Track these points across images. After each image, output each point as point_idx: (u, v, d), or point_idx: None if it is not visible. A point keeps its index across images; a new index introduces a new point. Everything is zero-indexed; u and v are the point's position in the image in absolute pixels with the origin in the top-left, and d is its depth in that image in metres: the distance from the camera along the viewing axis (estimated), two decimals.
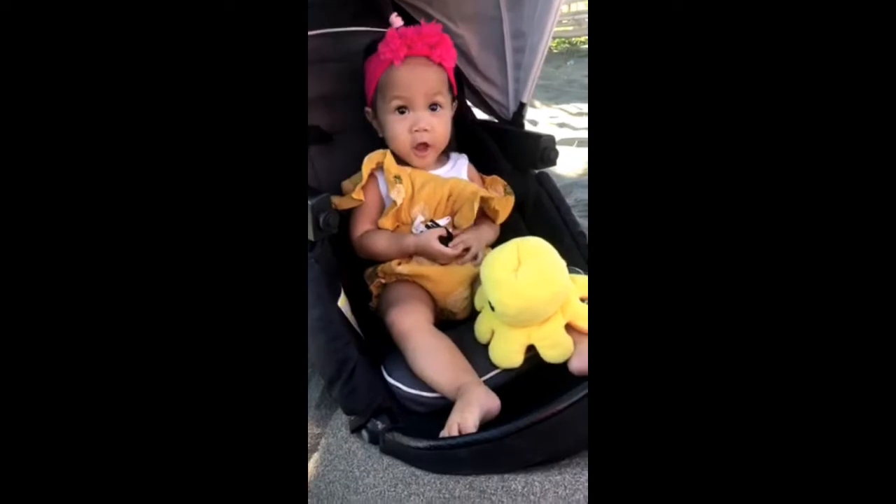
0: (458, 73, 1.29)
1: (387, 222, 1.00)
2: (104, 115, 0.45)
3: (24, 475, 0.43)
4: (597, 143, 0.47)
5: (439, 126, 1.02)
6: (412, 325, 0.89)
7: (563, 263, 0.89)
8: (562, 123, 3.59)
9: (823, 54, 0.43)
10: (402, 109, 1.01)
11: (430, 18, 1.24)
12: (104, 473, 0.44)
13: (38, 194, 0.44)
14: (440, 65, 1.02)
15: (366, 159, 1.01)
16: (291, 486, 0.47)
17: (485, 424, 0.75)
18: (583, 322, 0.89)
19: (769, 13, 0.44)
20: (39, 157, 0.44)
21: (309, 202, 0.79)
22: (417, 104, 1.00)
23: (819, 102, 0.43)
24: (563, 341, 0.87)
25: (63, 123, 0.45)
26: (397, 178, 0.99)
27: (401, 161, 1.04)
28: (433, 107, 1.02)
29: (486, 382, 0.84)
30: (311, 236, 0.82)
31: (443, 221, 1.03)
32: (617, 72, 0.46)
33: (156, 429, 0.45)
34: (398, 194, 0.99)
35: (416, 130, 1.00)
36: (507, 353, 0.88)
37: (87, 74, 0.45)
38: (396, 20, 1.03)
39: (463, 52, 1.26)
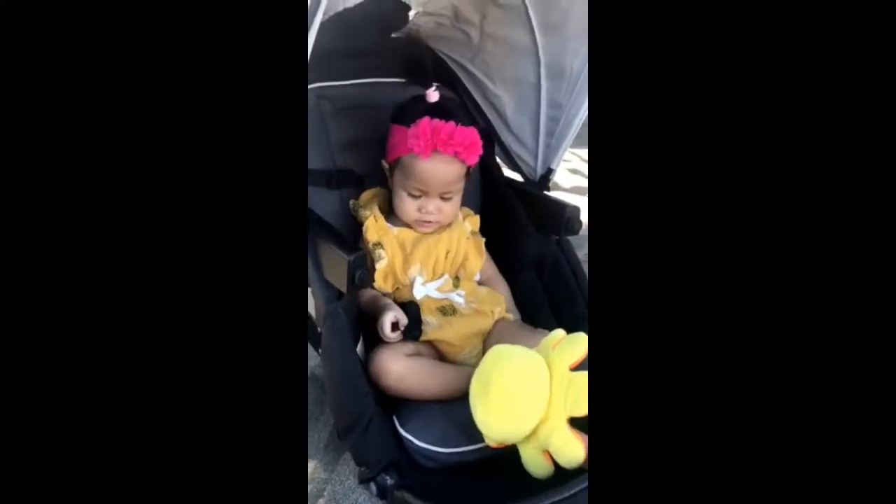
0: (489, 129, 1.34)
1: (379, 279, 1.03)
2: (105, 116, 0.45)
3: (23, 476, 0.43)
4: (597, 146, 0.47)
5: (447, 208, 1.06)
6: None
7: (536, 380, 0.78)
8: (574, 170, 3.61)
9: (826, 60, 0.42)
10: (415, 195, 1.04)
11: (468, 75, 1.29)
12: (102, 482, 0.44)
13: (36, 195, 0.44)
14: (463, 161, 1.03)
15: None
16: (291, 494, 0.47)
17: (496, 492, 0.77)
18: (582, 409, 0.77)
19: (770, 15, 0.43)
20: (38, 158, 0.44)
21: (347, 257, 0.82)
22: (432, 194, 1.04)
23: (821, 108, 0.43)
24: (569, 448, 0.76)
25: (64, 123, 0.45)
26: (378, 244, 1.04)
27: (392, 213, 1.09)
28: (445, 195, 1.05)
29: (476, 451, 0.85)
30: (344, 290, 0.85)
31: (439, 282, 1.06)
32: (618, 74, 0.46)
33: (148, 433, 0.45)
34: (379, 260, 1.03)
35: (425, 213, 1.05)
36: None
37: (89, 73, 0.45)
38: (433, 94, 1.04)
39: (497, 111, 1.31)
